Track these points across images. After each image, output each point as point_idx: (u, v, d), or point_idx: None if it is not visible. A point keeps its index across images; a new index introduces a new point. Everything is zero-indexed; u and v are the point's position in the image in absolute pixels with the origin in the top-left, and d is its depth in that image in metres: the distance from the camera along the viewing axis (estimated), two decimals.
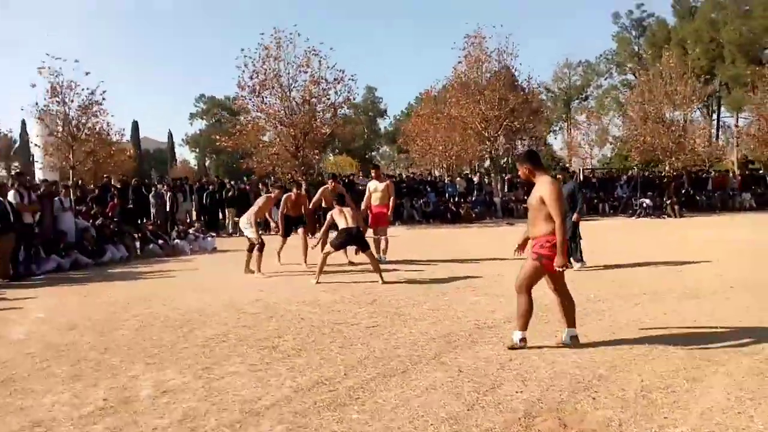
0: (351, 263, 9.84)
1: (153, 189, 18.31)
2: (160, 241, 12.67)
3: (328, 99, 21.13)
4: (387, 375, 4.17)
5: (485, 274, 8.61)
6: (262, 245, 9.44)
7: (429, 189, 22.56)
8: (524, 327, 4.73)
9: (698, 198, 25.65)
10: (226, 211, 18.68)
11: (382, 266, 9.59)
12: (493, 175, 23.54)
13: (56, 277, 9.81)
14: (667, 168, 25.93)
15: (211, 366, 4.49)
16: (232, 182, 22.44)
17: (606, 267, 9.16)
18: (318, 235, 9.85)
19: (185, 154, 75.16)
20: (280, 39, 20.60)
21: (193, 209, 19.73)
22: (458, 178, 23.29)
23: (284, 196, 10.15)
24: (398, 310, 6.31)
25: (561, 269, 4.54)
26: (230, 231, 18.30)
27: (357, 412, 3.51)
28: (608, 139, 53.49)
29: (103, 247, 11.35)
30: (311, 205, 10.34)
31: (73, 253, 10.72)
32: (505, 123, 22.83)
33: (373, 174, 10.18)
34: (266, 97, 20.92)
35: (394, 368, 4.32)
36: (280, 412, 3.53)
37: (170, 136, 71.93)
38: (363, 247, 8.50)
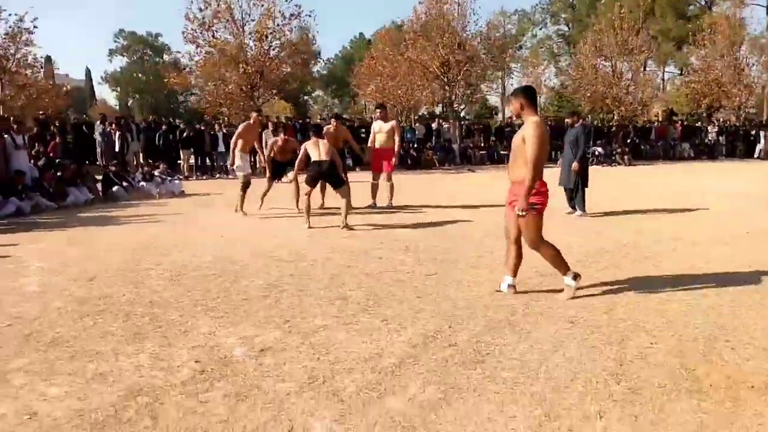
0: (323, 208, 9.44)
1: (102, 127, 16.75)
2: (125, 184, 11.61)
3: (284, 36, 19.94)
4: (494, 327, 3.83)
5: (495, 222, 8.35)
6: (246, 183, 8.81)
7: None
8: (567, 268, 4.46)
9: (642, 147, 26.55)
10: (181, 153, 17.45)
11: (389, 211, 9.26)
12: (451, 121, 23.25)
13: (21, 221, 8.74)
14: (615, 117, 26.55)
15: (291, 320, 3.99)
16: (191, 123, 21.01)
17: (606, 214, 9.12)
18: (291, 173, 9.26)
19: (104, 93, 70.32)
20: None
21: (140, 150, 18.37)
22: (417, 124, 22.84)
23: (271, 141, 9.43)
24: (443, 257, 5.95)
25: (521, 214, 4.28)
26: (186, 174, 17.20)
27: (504, 369, 3.16)
28: (542, 89, 54.33)
29: (65, 190, 10.24)
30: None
31: (33, 195, 9.58)
32: (465, 69, 22.43)
33: (378, 114, 9.58)
34: (217, 32, 19.49)
35: (494, 319, 3.98)
36: (418, 371, 3.12)
37: (88, 73, 66.71)
38: (335, 183, 7.93)
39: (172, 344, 3.55)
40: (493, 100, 58.83)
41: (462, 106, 24.56)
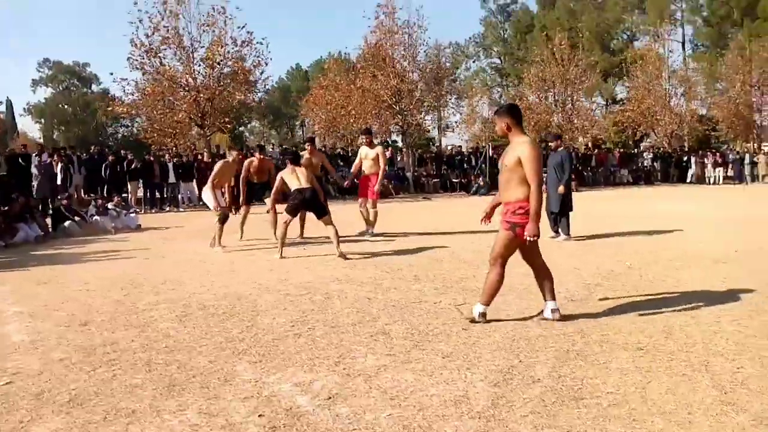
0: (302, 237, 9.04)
1: (38, 159, 15.61)
2: (77, 218, 10.72)
3: (237, 63, 19.44)
4: (565, 359, 3.54)
5: (478, 247, 8.08)
6: (224, 217, 8.27)
7: (342, 163, 21.70)
8: (488, 302, 4.31)
9: (585, 173, 27.39)
10: (129, 184, 16.47)
11: (372, 239, 8.94)
12: (405, 149, 23.23)
13: None
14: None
15: (340, 360, 3.56)
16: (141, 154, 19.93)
17: (589, 237, 9.09)
18: (268, 201, 8.87)
19: (26, 126, 66.47)
20: None
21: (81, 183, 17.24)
22: None
23: (247, 161, 8.97)
24: (461, 285, 5.64)
25: (532, 238, 4.10)
26: (133, 208, 16.20)
27: (609, 405, 2.86)
28: (476, 119, 55.38)
29: (13, 226, 9.30)
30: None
31: None
32: (417, 98, 22.56)
33: (365, 140, 9.27)
34: (164, 59, 18.75)
35: (559, 350, 3.69)
36: (521, 414, 2.77)
37: (9, 105, 62.92)
38: (319, 212, 7.55)
39: (219, 396, 3.05)
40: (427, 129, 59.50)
41: (414, 135, 24.60)
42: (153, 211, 16.45)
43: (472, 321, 4.28)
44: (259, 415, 2.81)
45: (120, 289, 5.65)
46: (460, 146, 27.98)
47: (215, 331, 4.22)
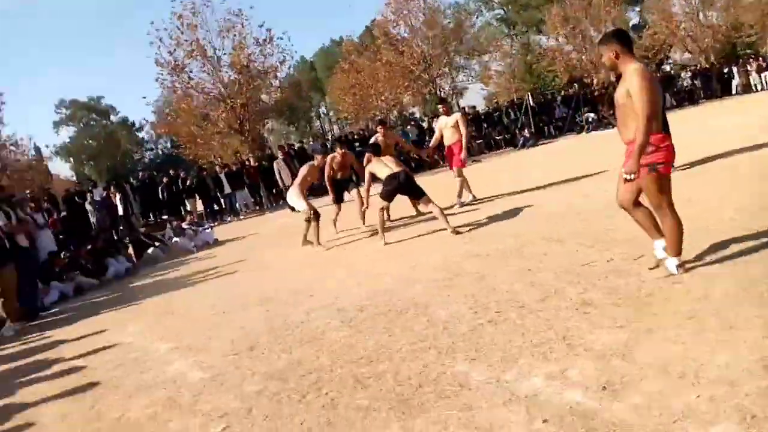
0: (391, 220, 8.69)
1: (91, 195, 15.54)
2: (157, 244, 10.56)
3: (262, 63, 19.06)
4: None
5: (577, 198, 7.52)
6: (317, 215, 7.97)
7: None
8: (679, 251, 3.79)
9: None
10: (187, 202, 16.33)
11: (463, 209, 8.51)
12: None
13: (73, 306, 7.67)
14: (595, 82, 26.36)
15: (569, 341, 3.14)
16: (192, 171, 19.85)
17: (692, 165, 8.42)
18: (363, 193, 8.47)
19: (58, 167, 67.54)
20: (195, 4, 18.18)
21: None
22: (409, 126, 22.12)
23: (329, 157, 8.58)
24: (605, 238, 5.12)
25: (629, 176, 3.62)
26: (208, 223, 16.10)
27: None
28: (491, 75, 53.68)
29: (103, 263, 9.13)
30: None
31: (74, 275, 8.48)
32: (446, 60, 21.88)
33: (442, 109, 8.91)
34: (191, 73, 18.45)
35: None
36: None
37: (38, 150, 63.94)
38: (416, 194, 7.24)
39: (472, 405, 2.67)
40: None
41: (450, 100, 23.95)
42: (216, 223, 16.29)
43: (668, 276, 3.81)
44: (544, 421, 2.42)
45: (258, 306, 5.33)
46: (497, 102, 27.11)
47: (397, 331, 3.85)
